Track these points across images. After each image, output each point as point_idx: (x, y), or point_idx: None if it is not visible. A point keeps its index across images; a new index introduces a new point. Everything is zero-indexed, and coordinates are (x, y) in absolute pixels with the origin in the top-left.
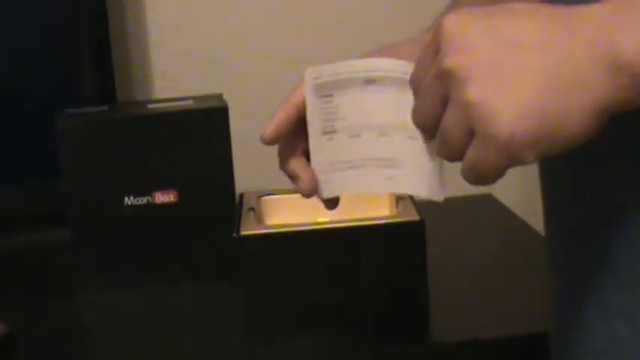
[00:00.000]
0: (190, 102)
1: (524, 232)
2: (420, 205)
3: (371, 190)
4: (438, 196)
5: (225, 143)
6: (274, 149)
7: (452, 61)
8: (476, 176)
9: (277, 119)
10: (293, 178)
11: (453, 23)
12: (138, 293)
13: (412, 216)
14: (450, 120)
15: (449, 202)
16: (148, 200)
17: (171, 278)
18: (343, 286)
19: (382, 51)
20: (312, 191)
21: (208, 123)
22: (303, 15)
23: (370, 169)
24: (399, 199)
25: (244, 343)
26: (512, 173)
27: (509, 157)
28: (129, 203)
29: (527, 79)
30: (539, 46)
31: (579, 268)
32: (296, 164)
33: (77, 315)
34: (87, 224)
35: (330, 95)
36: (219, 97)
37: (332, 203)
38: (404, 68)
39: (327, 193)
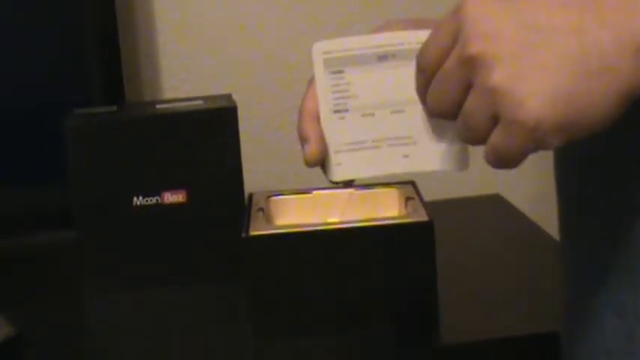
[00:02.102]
0: (199, 102)
1: (532, 232)
2: (429, 205)
3: (387, 171)
4: (461, 166)
5: (235, 143)
6: (282, 150)
7: (477, 47)
8: (499, 160)
9: (311, 137)
10: (302, 140)
11: (476, 7)
12: (146, 293)
13: (421, 216)
14: (474, 105)
15: (457, 202)
16: (157, 200)
17: (180, 278)
18: (352, 287)
19: (403, 19)
20: (315, 161)
21: (217, 123)
22: (314, 15)
23: (385, 149)
24: (408, 199)
25: (253, 343)
26: (521, 174)
27: (535, 142)
28: (138, 203)
29: (555, 65)
30: (567, 30)
31: (592, 267)
32: (310, 127)
33: (85, 316)
34: (95, 224)
35: (341, 72)
36: (229, 97)
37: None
38: (419, 38)
39: (340, 176)
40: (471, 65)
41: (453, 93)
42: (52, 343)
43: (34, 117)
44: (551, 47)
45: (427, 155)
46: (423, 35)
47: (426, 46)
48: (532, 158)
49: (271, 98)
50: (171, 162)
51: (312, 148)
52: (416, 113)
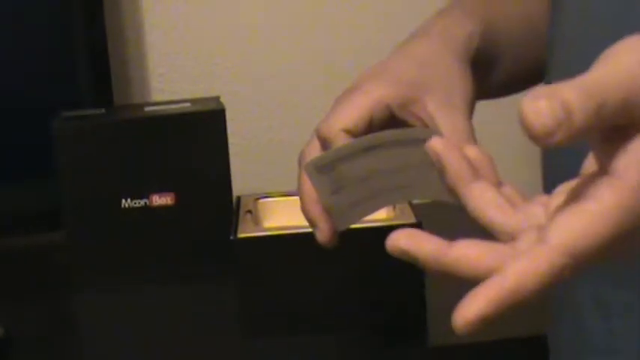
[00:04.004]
0: (187, 104)
1: None
2: (417, 207)
3: (388, 204)
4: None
5: (223, 146)
6: (271, 152)
7: None
8: None
9: (319, 222)
10: (310, 224)
11: None
12: (135, 296)
13: (409, 218)
14: None
15: (446, 204)
16: (145, 203)
17: (169, 281)
18: (340, 289)
19: (375, 75)
20: (328, 243)
21: (205, 125)
22: (302, 17)
23: (385, 193)
24: None
25: (241, 345)
26: (511, 176)
27: None
28: (126, 206)
29: None
30: None
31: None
32: (315, 212)
33: (74, 317)
34: (83, 227)
35: (332, 169)
36: (217, 99)
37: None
38: (404, 132)
39: (347, 225)
40: None
41: None
42: (40, 344)
43: (22, 119)
44: None
45: (426, 188)
46: (406, 131)
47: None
48: (524, 159)
49: (259, 101)
50: (159, 164)
51: (323, 234)
52: (411, 171)
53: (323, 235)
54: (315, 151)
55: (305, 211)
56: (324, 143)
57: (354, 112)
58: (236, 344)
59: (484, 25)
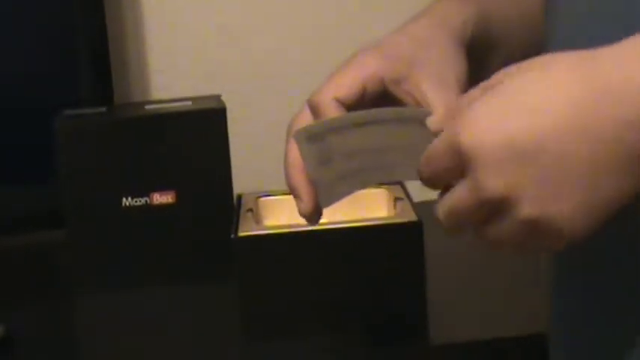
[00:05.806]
0: (188, 103)
1: None
2: (418, 205)
3: (371, 183)
4: None
5: (223, 144)
6: (271, 150)
7: (492, 191)
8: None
9: (302, 193)
10: (294, 195)
11: (475, 149)
12: (135, 294)
13: (410, 217)
14: (507, 232)
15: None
16: (145, 201)
17: (169, 279)
18: (341, 288)
19: (372, 50)
20: (310, 214)
21: (206, 124)
22: (302, 15)
23: (369, 172)
24: (397, 199)
25: (242, 344)
26: None
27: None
28: (127, 204)
29: (570, 183)
30: (573, 139)
31: (576, 268)
32: (299, 182)
33: (75, 316)
34: (85, 225)
35: (323, 140)
36: (217, 98)
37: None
38: (396, 111)
39: (331, 203)
40: (494, 205)
41: (474, 221)
42: (41, 343)
43: (23, 118)
44: (566, 170)
45: (410, 170)
46: (399, 109)
47: (426, 172)
48: None
49: (260, 99)
50: (160, 163)
51: (305, 205)
52: (398, 153)
53: (306, 206)
54: (305, 121)
55: (289, 179)
56: (315, 112)
57: (347, 82)
58: (236, 343)
59: (479, 14)
